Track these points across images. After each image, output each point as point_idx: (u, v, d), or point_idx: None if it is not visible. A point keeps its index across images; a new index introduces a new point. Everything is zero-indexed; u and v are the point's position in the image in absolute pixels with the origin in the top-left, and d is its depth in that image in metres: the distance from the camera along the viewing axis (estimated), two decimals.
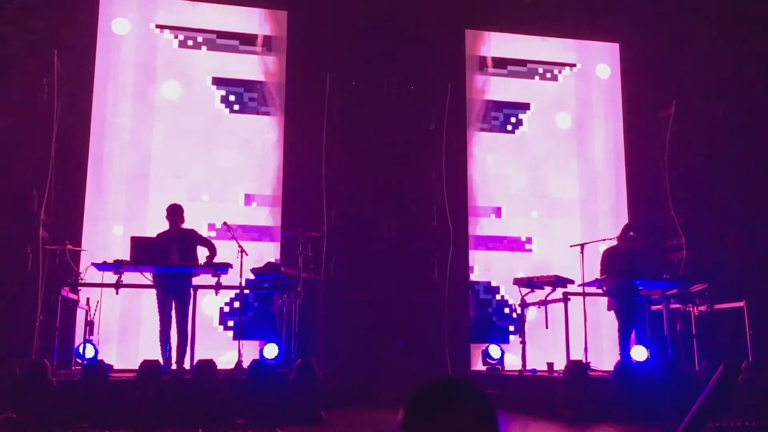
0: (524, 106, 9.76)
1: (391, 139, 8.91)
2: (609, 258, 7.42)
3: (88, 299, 7.06)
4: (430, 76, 9.24)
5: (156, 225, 7.35)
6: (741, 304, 7.09)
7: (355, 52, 9.02)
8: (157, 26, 8.86)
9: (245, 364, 6.48)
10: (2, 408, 5.52)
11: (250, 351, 7.34)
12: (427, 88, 9.22)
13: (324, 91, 8.82)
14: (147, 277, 6.58)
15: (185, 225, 7.14)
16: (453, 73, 9.45)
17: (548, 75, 9.91)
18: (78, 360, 6.79)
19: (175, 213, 7.08)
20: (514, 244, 9.39)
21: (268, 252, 8.36)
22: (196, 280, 6.78)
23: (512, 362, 8.32)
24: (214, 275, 6.56)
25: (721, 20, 9.15)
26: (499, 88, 9.75)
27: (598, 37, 10.07)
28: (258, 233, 8.60)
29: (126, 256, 6.51)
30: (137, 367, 6.04)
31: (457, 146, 9.30)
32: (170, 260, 6.67)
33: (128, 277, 6.43)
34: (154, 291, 6.83)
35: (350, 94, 9.00)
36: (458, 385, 1.28)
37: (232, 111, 8.93)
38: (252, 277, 7.14)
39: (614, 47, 10.13)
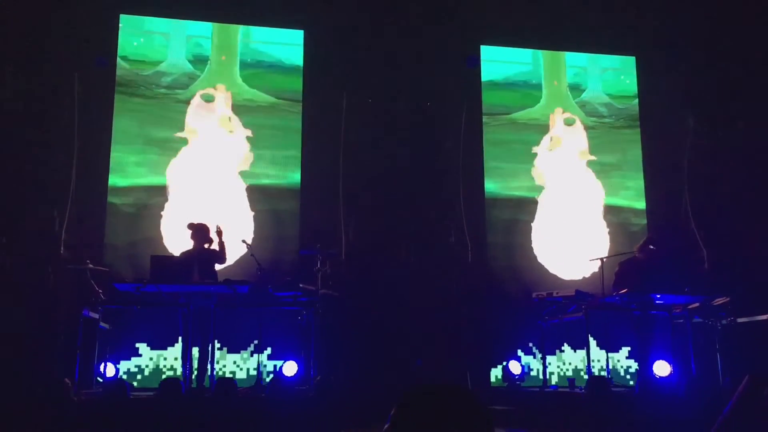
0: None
1: (407, 156, 8.92)
2: (626, 270, 7.34)
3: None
4: (446, 93, 9.27)
5: (176, 243, 7.40)
6: (765, 317, 6.99)
7: (371, 70, 9.07)
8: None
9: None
10: (23, 428, 5.54)
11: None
12: (443, 104, 9.25)
13: (341, 110, 8.88)
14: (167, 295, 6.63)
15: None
16: (469, 89, 9.48)
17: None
18: (99, 379, 6.82)
19: (198, 232, 7.11)
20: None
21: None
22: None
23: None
24: (233, 293, 6.58)
25: (738, 30, 9.11)
26: None
27: (615, 50, 10.06)
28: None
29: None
30: (157, 386, 6.08)
31: (474, 163, 9.30)
32: (191, 279, 6.70)
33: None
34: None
35: (367, 112, 9.05)
36: (450, 393, 1.26)
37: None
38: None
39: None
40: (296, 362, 6.77)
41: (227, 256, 7.16)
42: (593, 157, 9.70)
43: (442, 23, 9.29)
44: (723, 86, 9.27)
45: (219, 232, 7.08)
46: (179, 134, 8.75)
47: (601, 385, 6.47)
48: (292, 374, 6.67)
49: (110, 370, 6.73)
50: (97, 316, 6.76)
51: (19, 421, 5.51)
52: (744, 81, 9.22)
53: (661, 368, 6.86)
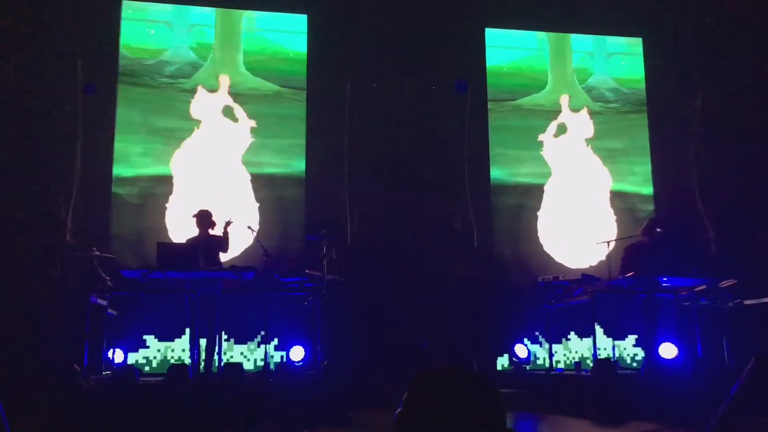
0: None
1: (412, 140, 8.90)
2: (632, 255, 7.32)
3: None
4: (450, 75, 9.22)
5: (181, 230, 7.40)
6: None
7: (374, 54, 9.03)
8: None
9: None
10: (33, 414, 5.59)
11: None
12: (448, 87, 9.20)
13: (345, 94, 8.85)
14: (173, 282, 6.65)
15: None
16: (474, 71, 9.43)
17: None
18: (107, 365, 6.86)
19: (203, 219, 7.13)
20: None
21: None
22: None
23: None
24: (239, 279, 6.60)
25: (744, 12, 9.03)
26: None
27: (621, 31, 9.98)
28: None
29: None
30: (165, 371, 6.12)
31: (480, 145, 9.27)
32: (197, 266, 6.71)
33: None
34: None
35: (371, 96, 9.02)
36: (462, 376, 1.27)
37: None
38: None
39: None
40: (303, 347, 6.80)
41: (229, 247, 7.16)
42: (599, 144, 9.66)
43: (446, 7, 9.23)
44: (730, 67, 9.19)
45: (227, 224, 7.08)
46: (183, 125, 8.74)
47: (607, 367, 6.47)
48: (300, 359, 6.70)
49: (119, 356, 6.78)
50: (104, 302, 6.80)
51: (29, 406, 5.56)
52: (752, 62, 9.13)
53: (668, 351, 6.85)
